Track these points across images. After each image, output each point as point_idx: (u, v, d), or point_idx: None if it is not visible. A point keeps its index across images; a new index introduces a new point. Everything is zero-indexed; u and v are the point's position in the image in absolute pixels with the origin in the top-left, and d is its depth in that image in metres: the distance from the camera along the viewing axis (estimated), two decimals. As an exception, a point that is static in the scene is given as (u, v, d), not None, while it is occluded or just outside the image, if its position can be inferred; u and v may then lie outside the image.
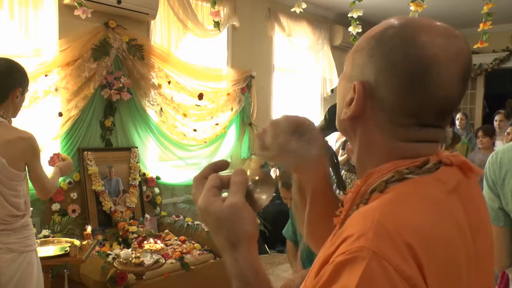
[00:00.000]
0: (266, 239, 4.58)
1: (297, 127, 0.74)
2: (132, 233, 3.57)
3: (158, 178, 4.26)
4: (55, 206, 3.46)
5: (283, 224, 2.75)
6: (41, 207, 3.44)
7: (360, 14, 3.49)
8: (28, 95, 3.07)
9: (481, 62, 6.82)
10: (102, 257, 3.00)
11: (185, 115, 4.42)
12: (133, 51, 3.91)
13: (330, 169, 0.86)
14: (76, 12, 3.07)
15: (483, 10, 3.44)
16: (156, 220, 4.05)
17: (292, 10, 3.60)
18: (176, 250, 3.44)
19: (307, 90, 6.14)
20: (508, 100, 7.61)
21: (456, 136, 3.62)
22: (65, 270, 2.79)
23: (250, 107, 5.07)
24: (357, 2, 3.45)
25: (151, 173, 4.21)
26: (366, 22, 3.45)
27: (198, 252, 3.49)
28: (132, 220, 3.77)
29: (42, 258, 2.31)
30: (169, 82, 4.24)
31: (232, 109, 4.87)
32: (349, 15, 3.56)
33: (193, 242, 3.64)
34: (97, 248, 3.11)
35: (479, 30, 3.53)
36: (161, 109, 4.24)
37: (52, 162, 2.29)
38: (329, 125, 0.88)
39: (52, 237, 2.95)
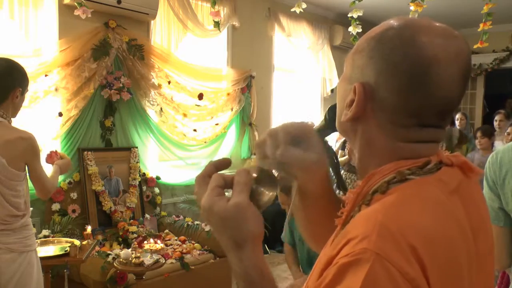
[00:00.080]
0: (266, 239, 4.58)
1: (295, 136, 0.74)
2: (132, 233, 3.57)
3: (158, 178, 4.26)
4: (55, 206, 3.46)
5: (283, 224, 2.75)
6: (41, 207, 3.44)
7: (360, 14, 3.49)
8: (28, 95, 3.07)
9: (481, 62, 6.82)
10: (102, 257, 3.00)
11: (185, 115, 4.42)
12: (133, 51, 3.91)
13: (330, 169, 0.86)
14: (76, 12, 3.07)
15: (483, 10, 3.44)
16: (156, 220, 4.05)
17: (292, 10, 3.60)
18: (176, 250, 3.44)
19: (307, 90, 6.14)
20: (508, 100, 7.61)
21: (463, 135, 3.58)
22: (65, 270, 2.79)
23: (250, 107, 5.07)
24: (357, 2, 3.45)
25: (151, 173, 4.21)
26: (366, 22, 3.45)
27: (198, 252, 3.49)
28: (132, 220, 3.77)
29: (42, 258, 2.31)
30: (169, 82, 4.24)
31: (232, 109, 4.87)
32: (349, 15, 3.56)
33: (193, 242, 3.64)
34: (97, 248, 3.11)
35: (479, 30, 3.53)
36: (161, 109, 4.24)
37: (50, 159, 2.28)
38: (329, 125, 0.88)
39: (52, 237, 2.95)
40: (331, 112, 0.86)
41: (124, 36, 3.86)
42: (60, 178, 3.49)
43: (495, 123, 5.34)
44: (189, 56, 4.48)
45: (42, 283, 2.17)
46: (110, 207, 3.68)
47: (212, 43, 4.82)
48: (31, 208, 2.12)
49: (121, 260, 2.74)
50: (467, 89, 0.73)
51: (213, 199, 0.64)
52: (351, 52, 0.75)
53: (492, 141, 4.63)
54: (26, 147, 1.94)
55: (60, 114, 3.54)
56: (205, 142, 4.66)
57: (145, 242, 3.30)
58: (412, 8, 3.25)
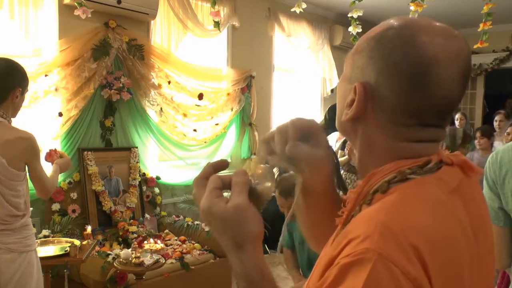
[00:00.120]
0: (266, 239, 4.58)
1: (304, 132, 0.75)
2: (132, 233, 3.57)
3: (158, 178, 4.26)
4: (55, 206, 3.46)
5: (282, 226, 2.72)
6: (41, 207, 3.44)
7: (360, 14, 3.49)
8: (28, 95, 3.07)
9: (481, 62, 6.82)
10: (102, 257, 2.99)
11: (185, 115, 4.42)
12: (133, 51, 3.91)
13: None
14: (76, 12, 3.07)
15: (483, 10, 3.45)
16: (156, 220, 4.05)
17: (292, 10, 3.60)
18: (176, 250, 3.44)
19: (307, 90, 6.14)
20: (508, 100, 7.61)
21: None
22: (65, 270, 2.79)
23: (250, 107, 5.07)
24: (357, 2, 3.45)
25: (151, 173, 4.21)
26: (366, 22, 3.45)
27: (198, 252, 3.49)
28: (132, 220, 3.77)
29: (42, 258, 2.31)
30: (169, 82, 4.24)
31: (232, 109, 4.87)
32: (349, 15, 3.56)
33: (193, 242, 3.64)
34: (97, 248, 3.11)
35: (479, 30, 3.53)
36: (161, 109, 4.24)
37: (50, 158, 2.27)
38: (329, 124, 0.88)
39: (52, 237, 2.95)
40: (331, 112, 0.87)
41: (124, 36, 3.86)
42: (60, 178, 3.49)
43: (495, 123, 5.34)
44: (189, 56, 4.48)
45: (42, 283, 2.17)
46: (110, 207, 3.68)
47: (212, 43, 4.82)
48: (31, 208, 2.12)
49: (121, 260, 2.74)
50: (467, 89, 0.73)
51: (212, 201, 0.64)
52: (351, 52, 0.75)
53: (491, 141, 4.63)
54: (26, 147, 1.94)
55: (60, 114, 3.54)
56: (205, 142, 4.66)
57: (145, 242, 3.30)
58: (412, 8, 3.25)
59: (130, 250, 2.95)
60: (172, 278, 3.17)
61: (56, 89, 3.47)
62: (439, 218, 0.61)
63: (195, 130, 4.54)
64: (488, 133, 4.65)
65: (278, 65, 5.61)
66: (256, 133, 5.09)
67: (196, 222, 3.92)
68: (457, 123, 5.81)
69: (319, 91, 6.23)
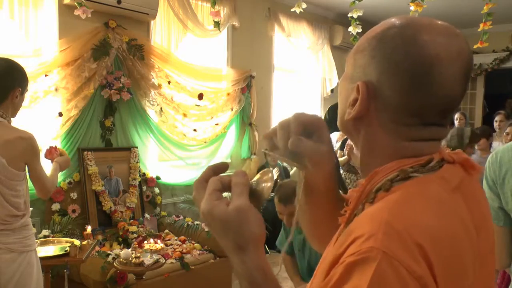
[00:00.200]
0: (266, 239, 4.56)
1: (307, 127, 0.74)
2: (132, 233, 3.57)
3: (158, 178, 4.26)
4: (55, 206, 3.46)
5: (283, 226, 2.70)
6: (41, 207, 3.44)
7: (360, 14, 3.50)
8: (28, 95, 3.08)
9: (481, 62, 6.82)
10: (102, 257, 2.99)
11: (185, 115, 4.42)
12: (133, 51, 3.91)
13: None
14: (76, 12, 3.07)
15: (483, 10, 3.45)
16: (156, 220, 4.05)
17: (292, 10, 3.60)
18: (176, 250, 3.44)
19: (307, 90, 6.15)
20: (508, 100, 7.61)
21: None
22: (65, 270, 2.79)
23: (250, 107, 5.07)
24: (357, 2, 3.45)
25: (151, 173, 4.21)
26: (366, 22, 3.45)
27: (198, 252, 3.49)
28: (132, 220, 3.77)
29: (42, 258, 2.31)
30: (169, 82, 4.25)
31: (232, 109, 4.87)
32: (349, 15, 3.56)
33: (193, 242, 3.64)
34: (97, 248, 3.11)
35: (479, 30, 3.53)
36: (161, 109, 4.24)
37: (49, 155, 2.27)
38: (329, 125, 0.88)
39: (52, 237, 2.95)
40: (331, 112, 0.87)
41: (124, 36, 3.86)
42: (60, 178, 3.50)
43: (495, 124, 5.34)
44: (189, 56, 4.48)
45: (42, 283, 2.17)
46: (110, 207, 3.68)
47: (212, 43, 4.82)
48: (31, 208, 2.12)
49: (121, 260, 2.74)
50: (467, 89, 0.73)
51: (212, 203, 0.64)
52: (352, 51, 0.75)
53: (490, 142, 4.63)
54: (26, 147, 1.94)
55: (60, 114, 3.54)
56: (205, 142, 4.66)
57: (145, 242, 3.30)
58: (412, 8, 3.25)
59: (130, 250, 2.95)
60: (172, 278, 3.17)
61: (56, 89, 3.47)
62: (441, 216, 0.61)
63: (195, 130, 4.54)
64: (487, 133, 4.65)
65: (278, 65, 5.62)
66: (256, 133, 5.10)
67: (196, 222, 3.92)
68: (456, 123, 5.80)
69: (319, 91, 6.23)
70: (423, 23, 0.68)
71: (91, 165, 3.66)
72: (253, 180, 0.69)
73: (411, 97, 0.66)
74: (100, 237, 3.44)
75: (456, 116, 5.87)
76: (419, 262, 0.55)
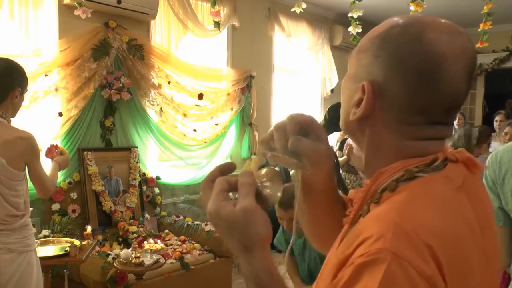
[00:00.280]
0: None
1: (303, 127, 0.74)
2: (132, 233, 3.57)
3: (158, 178, 4.26)
4: (55, 206, 3.46)
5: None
6: (41, 207, 3.44)
7: (360, 14, 3.50)
8: (28, 95, 3.08)
9: (481, 62, 6.81)
10: (102, 257, 2.99)
11: (185, 115, 4.42)
12: (133, 51, 3.91)
13: None
14: (76, 12, 3.07)
15: (483, 10, 3.45)
16: (156, 220, 4.05)
17: (292, 10, 3.61)
18: (176, 250, 3.44)
19: (307, 90, 6.14)
20: (508, 100, 7.61)
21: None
22: (65, 270, 2.79)
23: (250, 107, 5.07)
24: (357, 2, 3.45)
25: (151, 173, 4.21)
26: (366, 22, 3.45)
27: (198, 252, 3.49)
28: (132, 220, 3.77)
29: (42, 258, 2.31)
30: (169, 82, 4.24)
31: (232, 109, 4.87)
32: (349, 15, 3.56)
33: (193, 242, 3.64)
34: (97, 248, 3.11)
35: (479, 30, 3.53)
36: (161, 109, 4.24)
37: (50, 153, 2.27)
38: (329, 124, 0.88)
39: (52, 237, 2.95)
40: (331, 112, 0.86)
41: (124, 36, 3.86)
42: (60, 178, 3.50)
43: (495, 124, 5.34)
44: (189, 56, 4.48)
45: (41, 283, 2.17)
46: (110, 207, 3.68)
47: (212, 43, 4.82)
48: (31, 208, 2.12)
49: (121, 260, 2.74)
50: (471, 87, 0.74)
51: (219, 204, 0.64)
52: (354, 51, 0.75)
53: (488, 142, 4.63)
54: (26, 147, 1.94)
55: (60, 114, 3.54)
56: (205, 142, 4.66)
57: (145, 242, 3.30)
58: (412, 8, 3.25)
59: (130, 250, 2.95)
60: (172, 278, 3.17)
61: (56, 89, 3.47)
62: (447, 216, 0.61)
63: (195, 130, 4.54)
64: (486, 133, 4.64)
65: (278, 65, 5.61)
66: (256, 133, 5.09)
67: (196, 222, 3.92)
68: (455, 123, 5.81)
69: (319, 91, 6.23)
70: (427, 21, 0.68)
71: (91, 165, 3.66)
72: (258, 182, 0.68)
73: (417, 95, 0.66)
74: (100, 237, 3.44)
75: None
76: (428, 262, 0.55)
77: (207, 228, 3.70)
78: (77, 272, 2.98)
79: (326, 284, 0.63)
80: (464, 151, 0.72)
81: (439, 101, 0.67)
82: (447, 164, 0.68)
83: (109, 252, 3.16)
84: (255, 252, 0.62)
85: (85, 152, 3.68)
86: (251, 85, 5.05)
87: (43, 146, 2.37)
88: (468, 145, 3.36)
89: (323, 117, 0.89)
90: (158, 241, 3.41)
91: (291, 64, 5.80)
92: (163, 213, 4.15)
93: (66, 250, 2.53)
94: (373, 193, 0.68)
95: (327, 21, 6.13)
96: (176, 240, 3.68)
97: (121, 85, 3.82)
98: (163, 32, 4.32)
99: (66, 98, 3.56)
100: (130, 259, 2.72)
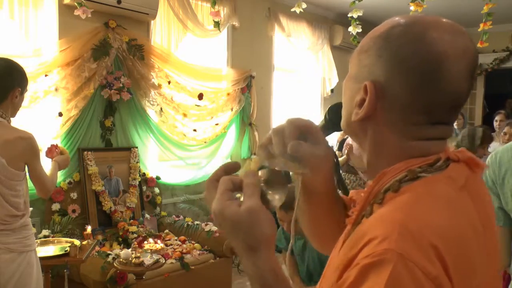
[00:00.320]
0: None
1: (302, 131, 0.74)
2: (132, 233, 3.57)
3: (158, 178, 4.26)
4: (55, 206, 3.46)
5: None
6: (41, 207, 3.44)
7: (360, 14, 3.50)
8: (28, 95, 3.08)
9: (481, 62, 6.81)
10: (102, 257, 2.99)
11: (185, 115, 4.42)
12: (133, 51, 3.91)
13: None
14: (76, 12, 3.07)
15: (483, 10, 3.45)
16: (156, 220, 4.05)
17: (292, 10, 3.61)
18: (176, 250, 3.44)
19: (307, 90, 6.14)
20: (508, 100, 7.61)
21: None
22: (65, 270, 2.79)
23: (250, 107, 5.07)
24: (357, 2, 3.45)
25: (151, 173, 4.21)
26: (366, 22, 3.45)
27: (198, 252, 3.49)
28: (132, 220, 3.77)
29: (42, 258, 2.31)
30: (169, 82, 4.24)
31: (232, 109, 4.87)
32: (349, 15, 3.56)
33: (193, 242, 3.64)
34: (97, 248, 3.11)
35: (479, 30, 3.53)
36: (161, 109, 4.24)
37: (50, 153, 2.27)
38: (329, 125, 0.87)
39: (52, 237, 2.95)
40: (331, 112, 0.86)
41: (124, 36, 3.86)
42: (60, 178, 3.50)
43: (495, 123, 5.34)
44: (189, 56, 4.48)
45: (41, 283, 2.17)
46: (110, 207, 3.68)
47: (212, 43, 4.81)
48: (31, 208, 2.12)
49: (121, 260, 2.74)
50: (473, 86, 0.74)
51: (224, 204, 0.63)
52: (356, 51, 0.75)
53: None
54: (26, 147, 1.94)
55: (60, 114, 3.54)
56: (205, 142, 4.66)
57: (145, 242, 3.30)
58: (412, 8, 3.25)
59: (130, 250, 2.95)
60: (172, 278, 3.17)
61: (56, 89, 3.47)
62: (451, 216, 0.61)
63: (195, 130, 4.54)
64: None
65: (278, 65, 5.61)
66: (256, 133, 5.09)
67: (196, 222, 3.92)
68: (455, 123, 5.80)
69: (319, 91, 6.23)
70: (429, 20, 0.68)
71: (91, 165, 3.66)
72: (262, 183, 0.68)
73: (420, 95, 0.66)
74: (100, 237, 3.44)
75: (455, 116, 5.84)
76: (433, 263, 0.55)
77: (207, 228, 3.70)
78: (77, 272, 2.98)
79: (331, 284, 0.63)
80: (465, 151, 0.72)
81: (441, 101, 0.67)
82: (450, 164, 0.68)
83: (109, 252, 3.16)
84: (260, 252, 0.62)
85: (85, 152, 3.68)
86: (251, 85, 5.05)
87: (43, 146, 2.37)
88: (472, 146, 3.35)
89: (323, 117, 0.88)
90: (158, 241, 3.41)
91: (291, 64, 5.80)
92: (163, 213, 4.15)
93: (66, 250, 2.53)
94: (376, 194, 0.68)
95: (327, 21, 6.13)
96: (176, 240, 3.68)
97: (121, 85, 3.82)
98: (163, 32, 4.32)
99: (66, 98, 3.56)
100: (130, 259, 2.72)
